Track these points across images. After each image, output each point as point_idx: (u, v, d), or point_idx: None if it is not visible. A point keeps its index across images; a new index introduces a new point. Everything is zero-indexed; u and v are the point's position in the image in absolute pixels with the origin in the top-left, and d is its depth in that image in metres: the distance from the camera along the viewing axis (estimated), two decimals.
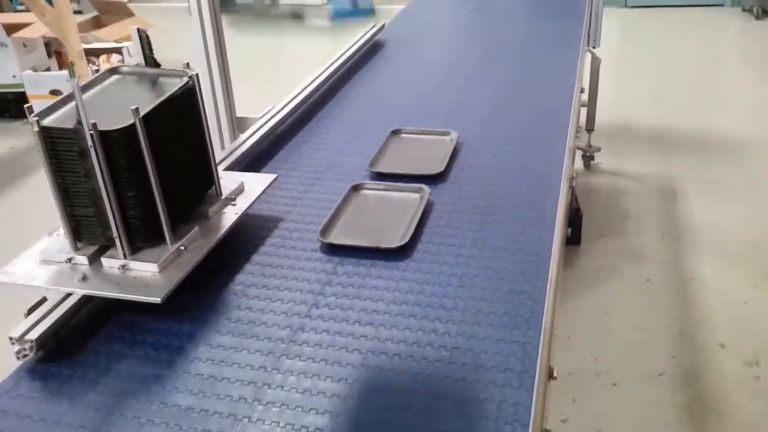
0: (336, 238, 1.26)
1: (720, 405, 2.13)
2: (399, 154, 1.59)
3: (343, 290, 1.13)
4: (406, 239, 1.23)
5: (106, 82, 1.17)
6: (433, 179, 1.45)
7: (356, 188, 1.42)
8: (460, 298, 1.09)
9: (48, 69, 4.68)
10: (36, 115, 1.02)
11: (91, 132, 0.98)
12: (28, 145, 4.14)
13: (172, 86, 1.14)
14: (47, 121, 1.04)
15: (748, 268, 2.77)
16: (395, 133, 1.66)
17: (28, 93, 4.30)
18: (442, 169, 1.49)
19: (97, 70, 1.21)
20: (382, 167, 1.51)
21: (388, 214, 1.34)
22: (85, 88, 1.12)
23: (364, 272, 1.17)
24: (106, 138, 1.01)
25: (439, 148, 1.58)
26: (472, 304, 1.08)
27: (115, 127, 1.01)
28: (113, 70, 1.20)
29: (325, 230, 1.28)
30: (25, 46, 4.54)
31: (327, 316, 1.07)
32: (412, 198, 1.38)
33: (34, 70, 4.47)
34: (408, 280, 1.14)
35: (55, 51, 4.77)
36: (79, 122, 0.98)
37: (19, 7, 5.77)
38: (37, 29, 4.60)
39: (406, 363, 0.97)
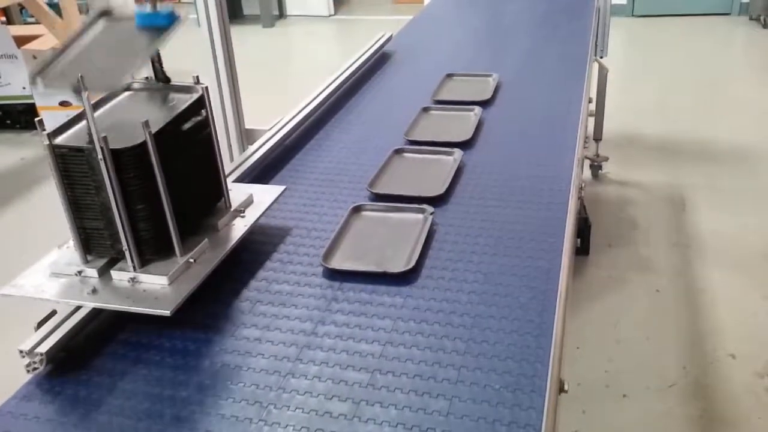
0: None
1: (731, 416, 2.11)
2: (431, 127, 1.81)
3: (350, 306, 1.12)
4: (444, 189, 1.43)
5: (118, 98, 1.18)
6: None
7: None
8: (468, 315, 1.09)
9: None
10: (48, 134, 1.02)
11: (102, 147, 0.99)
12: (38, 156, 4.17)
13: (182, 102, 1.14)
14: (59, 140, 1.05)
15: (758, 278, 2.75)
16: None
17: (38, 104, 4.32)
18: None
19: None
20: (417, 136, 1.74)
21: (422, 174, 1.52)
22: (96, 105, 1.13)
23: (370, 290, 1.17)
24: (116, 155, 1.01)
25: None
26: (480, 319, 1.08)
27: (125, 146, 1.02)
28: (125, 87, 1.20)
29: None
30: (35, 57, 4.58)
31: (333, 334, 1.06)
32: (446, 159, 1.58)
33: None
34: (416, 296, 1.14)
35: None
36: (91, 141, 0.99)
37: (29, 20, 5.81)
38: (46, 41, 4.64)
39: (414, 380, 0.97)
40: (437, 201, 1.41)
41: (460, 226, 1.34)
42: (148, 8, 1.09)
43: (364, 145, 1.72)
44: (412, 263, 1.19)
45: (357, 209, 1.38)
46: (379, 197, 1.43)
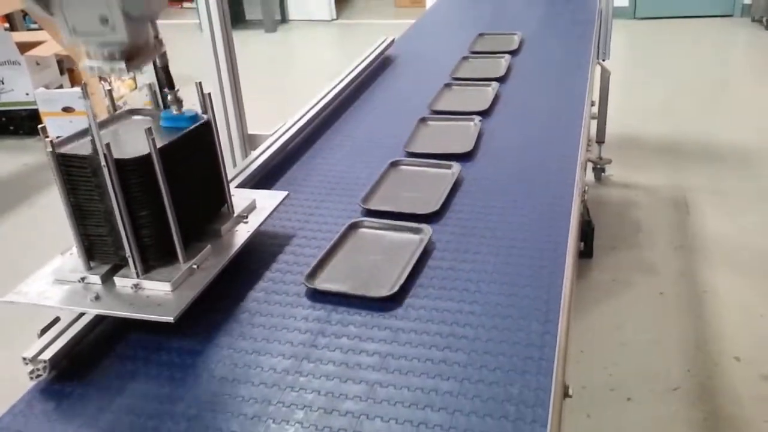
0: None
1: (736, 420, 2.10)
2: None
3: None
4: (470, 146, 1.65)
5: (124, 121, 1.19)
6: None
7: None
8: (473, 314, 1.09)
9: (60, 86, 4.72)
10: (51, 140, 1.03)
11: (105, 153, 0.99)
12: (41, 162, 4.18)
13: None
14: (64, 150, 1.05)
15: (762, 280, 2.75)
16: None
17: (41, 110, 4.33)
18: None
19: (110, 89, 1.22)
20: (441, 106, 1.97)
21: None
22: (102, 125, 1.14)
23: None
24: (120, 163, 1.02)
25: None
26: (486, 318, 1.08)
27: (129, 156, 1.02)
28: (133, 111, 1.22)
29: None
30: (38, 64, 4.59)
31: (341, 333, 1.06)
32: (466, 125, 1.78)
33: (47, 87, 4.51)
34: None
35: (67, 68, 4.82)
36: (95, 150, 0.99)
37: (33, 26, 5.83)
38: (49, 47, 4.66)
39: (419, 379, 0.96)
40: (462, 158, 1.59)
41: (462, 226, 1.33)
42: (174, 111, 1.16)
43: (369, 146, 1.72)
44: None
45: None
46: (412, 154, 1.63)
